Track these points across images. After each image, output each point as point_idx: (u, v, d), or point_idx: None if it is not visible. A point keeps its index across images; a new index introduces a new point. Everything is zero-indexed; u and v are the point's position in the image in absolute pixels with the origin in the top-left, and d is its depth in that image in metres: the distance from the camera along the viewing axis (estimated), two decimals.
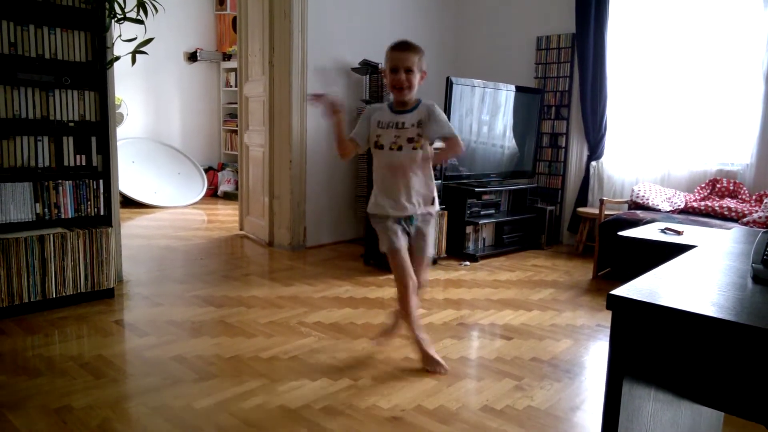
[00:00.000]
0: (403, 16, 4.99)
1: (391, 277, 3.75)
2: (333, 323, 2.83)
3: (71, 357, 2.33)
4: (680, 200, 4.09)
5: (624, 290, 0.92)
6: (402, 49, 2.19)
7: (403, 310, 2.32)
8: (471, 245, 4.43)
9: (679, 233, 3.12)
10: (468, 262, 4.19)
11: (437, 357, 2.32)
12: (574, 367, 2.42)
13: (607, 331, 2.83)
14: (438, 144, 2.33)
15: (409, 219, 2.28)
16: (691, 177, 4.30)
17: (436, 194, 2.35)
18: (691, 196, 4.12)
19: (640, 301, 0.88)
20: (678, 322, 0.86)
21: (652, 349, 0.90)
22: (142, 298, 3.13)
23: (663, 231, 3.19)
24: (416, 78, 2.20)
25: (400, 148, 2.22)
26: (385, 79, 2.25)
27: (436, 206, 2.35)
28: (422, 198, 2.28)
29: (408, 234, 2.30)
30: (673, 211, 4.00)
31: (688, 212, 3.98)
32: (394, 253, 2.25)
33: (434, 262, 4.11)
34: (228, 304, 3.07)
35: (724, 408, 0.89)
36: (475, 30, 5.45)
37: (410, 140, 2.22)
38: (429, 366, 2.30)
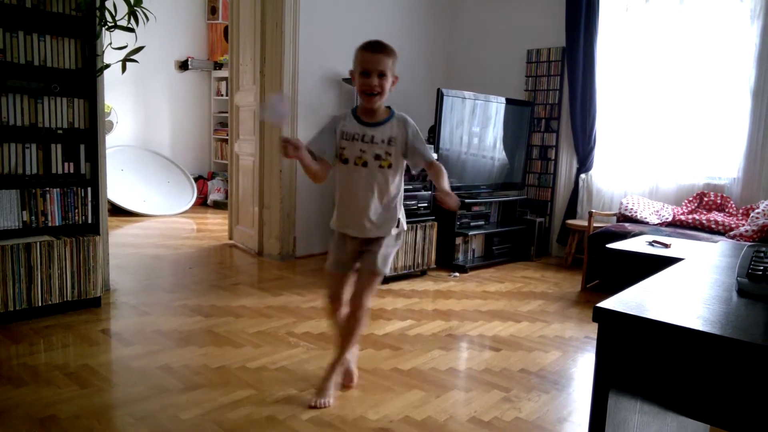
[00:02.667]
0: (395, 28, 5.02)
1: (379, 286, 3.73)
2: (321, 333, 2.81)
3: (57, 366, 2.30)
4: (668, 213, 4.12)
5: (610, 303, 0.93)
6: (376, 50, 1.92)
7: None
8: (460, 256, 4.43)
9: (666, 246, 3.15)
10: (457, 273, 4.19)
11: (330, 386, 2.12)
12: (562, 379, 2.42)
13: (595, 343, 2.85)
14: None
15: (366, 239, 2.07)
16: (679, 190, 4.35)
17: (401, 216, 2.11)
18: (679, 209, 4.16)
19: (626, 314, 0.89)
20: (664, 335, 0.86)
21: (638, 361, 0.90)
22: (129, 308, 3.10)
23: (651, 244, 3.21)
24: (389, 83, 1.95)
25: (365, 164, 1.98)
26: (354, 83, 1.99)
27: (402, 226, 2.13)
28: (384, 221, 2.05)
29: (360, 252, 2.10)
30: (661, 224, 4.03)
31: (676, 225, 4.02)
32: (331, 275, 2.12)
33: (423, 273, 4.11)
34: (216, 313, 3.05)
35: (709, 420, 0.90)
36: (466, 42, 5.49)
37: (377, 157, 1.98)
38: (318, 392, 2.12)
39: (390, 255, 2.11)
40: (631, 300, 0.97)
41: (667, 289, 1.07)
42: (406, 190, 3.89)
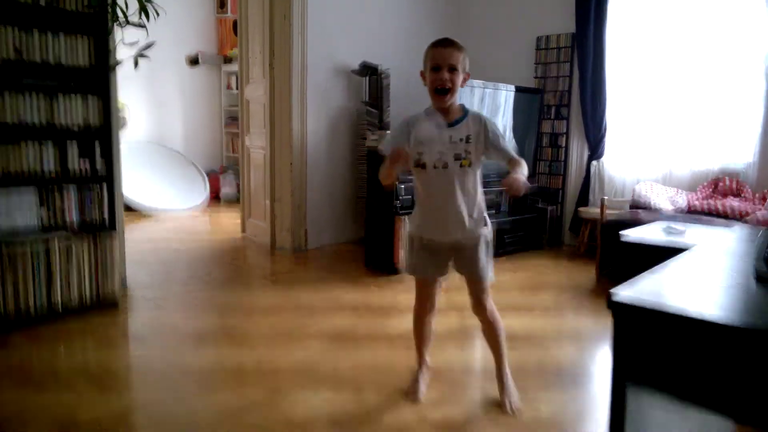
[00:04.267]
0: (402, 18, 4.99)
1: (391, 278, 3.69)
2: (335, 329, 2.81)
3: (76, 369, 2.32)
4: (683, 200, 4.08)
5: (623, 291, 0.91)
6: (445, 45, 1.89)
7: (415, 335, 2.21)
8: None
9: (681, 233, 3.12)
10: None
11: (420, 386, 2.16)
12: (580, 374, 2.40)
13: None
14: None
15: (456, 243, 2.00)
16: (693, 176, 4.30)
17: (486, 214, 2.04)
18: (694, 195, 4.12)
19: (640, 305, 0.88)
20: (681, 326, 0.85)
21: (656, 353, 0.89)
22: (146, 306, 3.13)
23: (665, 231, 3.19)
24: (460, 79, 1.89)
25: (445, 166, 1.91)
26: (424, 81, 1.95)
27: (489, 228, 2.04)
28: (471, 221, 1.97)
29: (451, 259, 2.06)
30: (675, 211, 3.99)
31: (691, 212, 3.98)
32: (420, 282, 2.09)
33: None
34: (231, 311, 3.07)
35: (733, 416, 0.88)
36: (475, 30, 5.44)
37: (457, 157, 1.91)
38: (408, 389, 2.16)
39: (488, 260, 2.03)
40: (646, 288, 0.95)
41: (682, 276, 1.06)
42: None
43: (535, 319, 3.02)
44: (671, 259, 1.22)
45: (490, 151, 1.95)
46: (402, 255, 3.79)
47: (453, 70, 1.87)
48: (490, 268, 2.04)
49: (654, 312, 0.88)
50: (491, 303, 2.09)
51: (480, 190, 2.01)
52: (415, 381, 2.17)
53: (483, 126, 1.94)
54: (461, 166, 1.92)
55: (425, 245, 2.01)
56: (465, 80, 1.93)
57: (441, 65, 1.87)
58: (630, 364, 0.91)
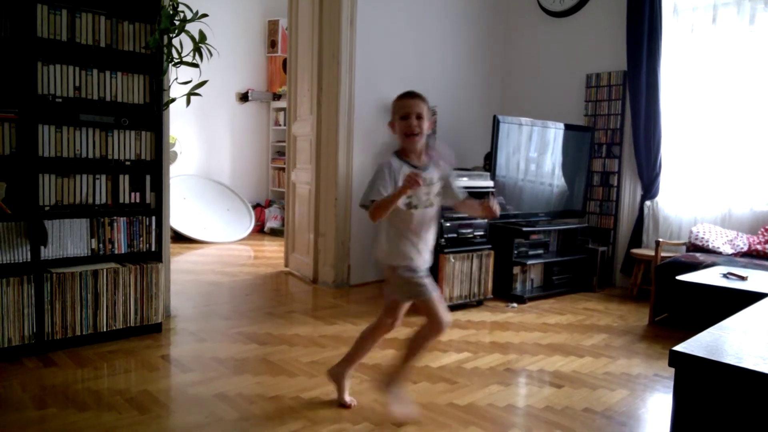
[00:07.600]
0: (450, 56, 5.03)
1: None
2: (376, 364, 2.77)
3: (118, 391, 2.36)
4: (743, 243, 3.88)
5: (688, 345, 0.85)
6: (412, 96, 2.21)
7: (361, 346, 2.35)
8: (518, 286, 4.31)
9: (743, 278, 2.95)
10: (515, 304, 4.07)
11: (346, 398, 2.32)
12: (631, 420, 2.28)
13: (666, 382, 2.68)
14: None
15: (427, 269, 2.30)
16: (754, 217, 4.09)
17: None
18: (755, 238, 3.91)
19: (707, 359, 0.81)
20: (749, 383, 0.78)
21: (722, 410, 0.82)
22: (188, 334, 3.16)
23: (725, 276, 3.02)
24: (425, 125, 2.19)
25: (431, 205, 2.23)
26: (392, 130, 2.23)
27: None
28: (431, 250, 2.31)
29: None
30: (735, 255, 3.79)
31: (752, 255, 3.77)
32: (395, 304, 2.29)
33: (480, 303, 4.00)
34: (271, 341, 3.07)
35: None
36: (523, 68, 5.43)
37: (437, 195, 2.24)
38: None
39: None
40: (711, 342, 0.88)
41: (749, 330, 0.98)
42: (461, 218, 3.85)
43: (584, 361, 2.89)
44: (732, 306, 1.13)
45: (445, 190, 2.26)
46: (447, 292, 3.73)
47: (419, 117, 2.16)
48: None
49: (720, 366, 0.80)
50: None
51: None
52: (342, 389, 2.33)
53: (443, 167, 2.26)
54: (439, 203, 2.25)
55: (406, 274, 2.20)
56: (430, 126, 2.22)
57: (409, 114, 2.15)
58: (693, 420, 0.84)
